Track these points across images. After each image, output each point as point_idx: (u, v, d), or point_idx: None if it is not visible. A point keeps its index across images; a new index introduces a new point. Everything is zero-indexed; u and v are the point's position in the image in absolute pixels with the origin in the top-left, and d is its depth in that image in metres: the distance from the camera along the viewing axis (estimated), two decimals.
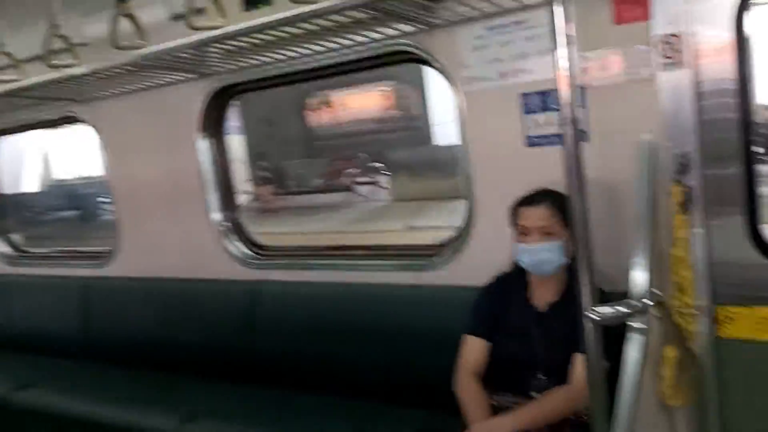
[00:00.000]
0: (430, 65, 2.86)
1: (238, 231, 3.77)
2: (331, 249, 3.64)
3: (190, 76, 3.49)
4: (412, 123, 14.92)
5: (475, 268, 2.76)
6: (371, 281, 3.23)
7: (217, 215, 3.73)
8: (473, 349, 2.46)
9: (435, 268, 3.06)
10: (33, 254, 5.08)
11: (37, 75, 3.02)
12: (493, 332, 2.45)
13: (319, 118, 16.59)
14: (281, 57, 3.16)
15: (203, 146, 3.68)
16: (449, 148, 13.21)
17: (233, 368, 3.59)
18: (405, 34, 2.79)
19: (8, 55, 2.82)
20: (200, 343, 3.73)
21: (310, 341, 3.32)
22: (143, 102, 3.80)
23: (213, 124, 3.69)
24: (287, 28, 2.72)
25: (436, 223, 10.07)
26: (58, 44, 2.59)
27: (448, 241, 3.10)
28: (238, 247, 3.72)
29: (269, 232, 11.64)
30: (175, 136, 3.76)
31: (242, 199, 14.89)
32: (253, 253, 3.71)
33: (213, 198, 3.73)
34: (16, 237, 5.21)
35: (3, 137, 5.06)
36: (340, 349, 3.22)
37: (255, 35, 2.79)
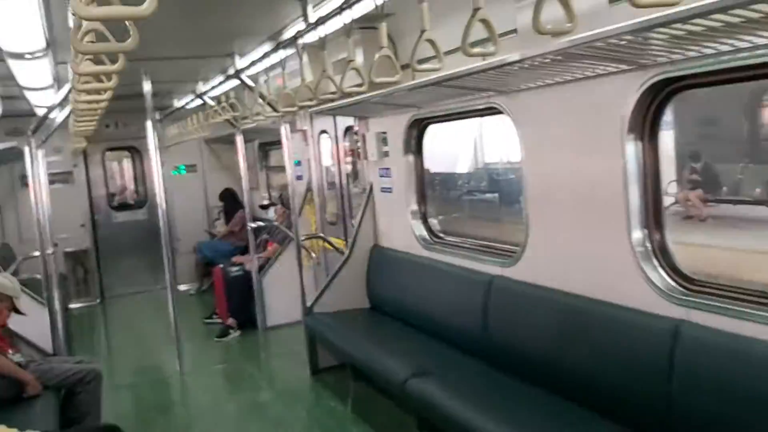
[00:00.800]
0: None
1: (661, 255, 3.12)
2: None
3: (624, 66, 2.97)
4: None
5: None
6: None
7: (636, 232, 3.15)
8: None
9: None
10: (445, 242, 5.21)
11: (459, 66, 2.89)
12: None
13: None
14: (745, 44, 2.42)
15: (630, 149, 3.13)
16: None
17: (636, 414, 3.02)
18: None
19: (432, 43, 2.70)
20: (596, 373, 3.25)
21: (740, 414, 2.56)
22: (565, 95, 3.43)
23: (645, 124, 3.11)
24: (760, 6, 2.00)
25: None
26: (480, 34, 2.35)
27: None
28: (659, 275, 3.08)
29: (693, 243, 10.30)
30: (596, 134, 3.29)
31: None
32: (676, 285, 3.03)
33: (634, 211, 3.16)
34: (433, 222, 5.43)
35: (434, 123, 5.27)
36: None
37: (715, 17, 2.14)
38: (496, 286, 4.17)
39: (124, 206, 10.72)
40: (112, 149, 10.57)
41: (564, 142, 3.57)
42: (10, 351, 4.25)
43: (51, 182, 9.30)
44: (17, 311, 4.33)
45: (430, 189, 5.68)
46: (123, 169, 11.50)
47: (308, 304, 5.79)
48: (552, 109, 3.59)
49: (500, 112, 4.06)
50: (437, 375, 3.96)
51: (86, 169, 10.17)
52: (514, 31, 3.42)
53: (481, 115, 4.57)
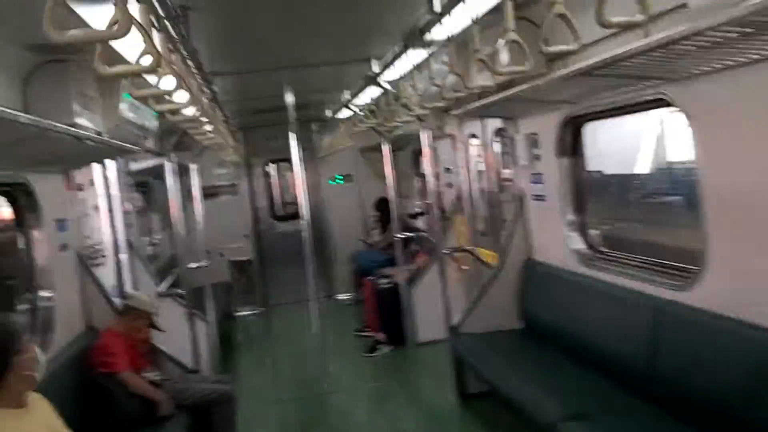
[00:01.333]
0: None
1: None
2: None
3: None
4: None
5: None
6: None
7: None
8: None
9: None
10: (606, 257, 4.51)
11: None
12: None
13: None
14: None
15: None
16: None
17: None
18: None
19: (564, 18, 2.14)
20: None
21: None
22: (751, 79, 2.69)
23: None
24: None
25: None
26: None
27: None
28: None
29: None
30: None
31: None
32: None
33: None
34: (594, 234, 4.74)
35: (592, 121, 4.60)
36: None
37: None
38: (667, 314, 3.45)
39: (285, 217, 10.91)
40: (272, 161, 10.81)
41: (752, 138, 2.83)
42: (148, 368, 4.25)
43: (216, 194, 9.77)
44: (156, 327, 4.33)
45: (598, 193, 4.98)
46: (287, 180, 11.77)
47: (455, 322, 5.34)
48: (735, 98, 2.86)
49: (670, 105, 3.37)
50: (595, 419, 3.35)
51: (249, 180, 10.49)
52: (683, 6, 2.75)
53: (648, 109, 3.86)
